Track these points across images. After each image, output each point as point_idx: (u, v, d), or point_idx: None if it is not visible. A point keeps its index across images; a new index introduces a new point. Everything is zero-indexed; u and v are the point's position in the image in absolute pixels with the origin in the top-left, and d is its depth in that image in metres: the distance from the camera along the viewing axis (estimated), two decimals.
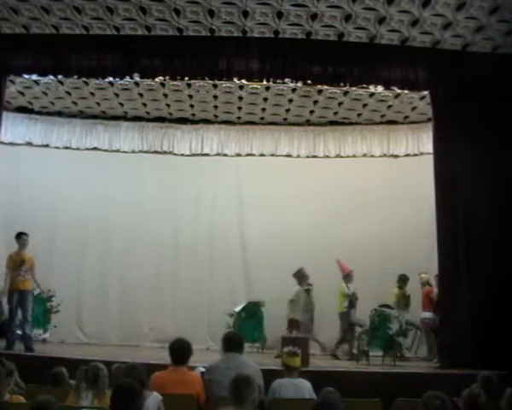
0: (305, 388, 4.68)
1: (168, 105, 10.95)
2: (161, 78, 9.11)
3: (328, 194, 11.26)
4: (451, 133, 8.35)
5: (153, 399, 3.86)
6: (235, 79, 8.97)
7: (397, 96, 9.95)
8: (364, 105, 10.56)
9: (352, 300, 9.65)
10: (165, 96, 10.43)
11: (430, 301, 9.44)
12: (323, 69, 8.53)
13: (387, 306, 9.20)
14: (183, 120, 11.66)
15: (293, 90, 9.87)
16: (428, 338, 9.56)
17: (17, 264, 8.37)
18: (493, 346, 7.29)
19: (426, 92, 9.18)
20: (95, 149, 11.65)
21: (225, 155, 11.75)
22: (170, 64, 8.56)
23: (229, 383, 3.75)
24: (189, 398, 4.39)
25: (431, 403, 3.60)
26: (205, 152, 11.72)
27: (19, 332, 8.58)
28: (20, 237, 8.54)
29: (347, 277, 9.84)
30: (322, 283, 10.75)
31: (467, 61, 8.38)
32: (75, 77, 9.04)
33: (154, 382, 4.32)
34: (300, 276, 9.87)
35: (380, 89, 9.07)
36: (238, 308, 10.22)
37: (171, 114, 11.46)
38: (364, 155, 11.53)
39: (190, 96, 10.44)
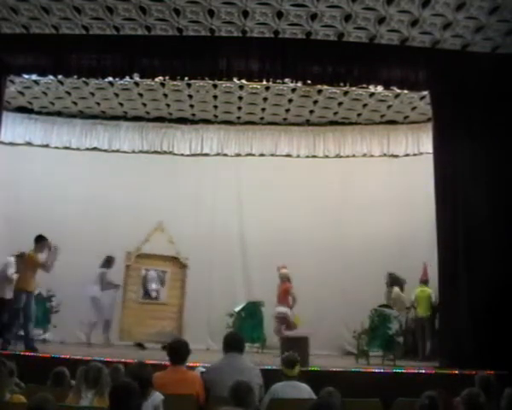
0: (304, 389, 4.63)
1: (168, 105, 10.95)
2: (161, 78, 9.10)
3: (328, 194, 11.27)
4: (451, 133, 8.34)
5: (153, 399, 3.86)
6: (235, 79, 8.97)
7: (397, 96, 9.96)
8: (364, 105, 10.56)
9: (434, 306, 9.45)
10: (165, 96, 10.44)
11: (286, 296, 9.46)
12: (323, 69, 8.53)
13: (387, 306, 9.20)
14: (182, 120, 11.66)
15: (293, 90, 9.88)
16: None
17: (37, 265, 8.33)
18: (493, 346, 7.28)
19: (426, 92, 9.19)
20: (95, 149, 11.66)
21: (225, 155, 11.77)
22: (170, 64, 8.55)
23: (230, 388, 3.73)
24: (189, 398, 4.39)
25: (420, 401, 3.62)
26: (205, 152, 11.74)
27: (19, 333, 8.56)
28: (42, 241, 8.41)
29: (426, 281, 9.70)
30: (322, 282, 10.77)
31: (467, 61, 8.37)
32: (75, 77, 9.05)
33: (155, 382, 4.31)
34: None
35: (380, 89, 9.07)
36: (238, 308, 10.22)
37: (170, 114, 11.46)
38: (364, 155, 11.53)
39: (190, 96, 10.44)
